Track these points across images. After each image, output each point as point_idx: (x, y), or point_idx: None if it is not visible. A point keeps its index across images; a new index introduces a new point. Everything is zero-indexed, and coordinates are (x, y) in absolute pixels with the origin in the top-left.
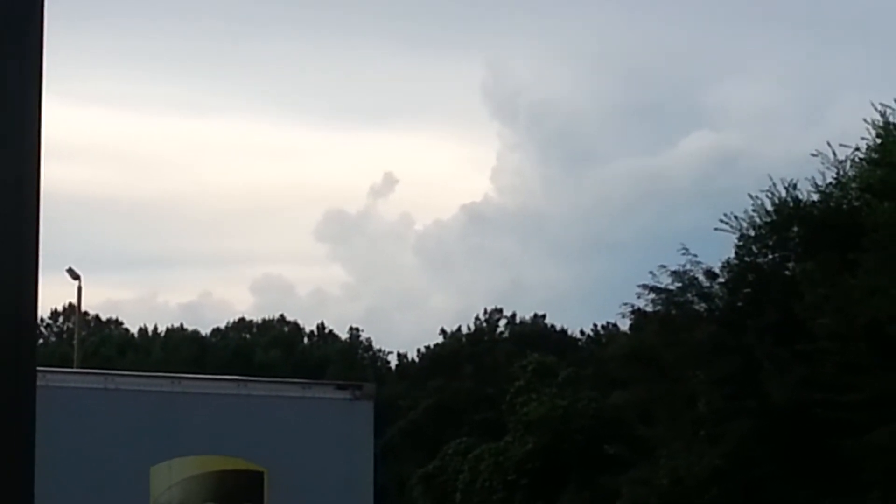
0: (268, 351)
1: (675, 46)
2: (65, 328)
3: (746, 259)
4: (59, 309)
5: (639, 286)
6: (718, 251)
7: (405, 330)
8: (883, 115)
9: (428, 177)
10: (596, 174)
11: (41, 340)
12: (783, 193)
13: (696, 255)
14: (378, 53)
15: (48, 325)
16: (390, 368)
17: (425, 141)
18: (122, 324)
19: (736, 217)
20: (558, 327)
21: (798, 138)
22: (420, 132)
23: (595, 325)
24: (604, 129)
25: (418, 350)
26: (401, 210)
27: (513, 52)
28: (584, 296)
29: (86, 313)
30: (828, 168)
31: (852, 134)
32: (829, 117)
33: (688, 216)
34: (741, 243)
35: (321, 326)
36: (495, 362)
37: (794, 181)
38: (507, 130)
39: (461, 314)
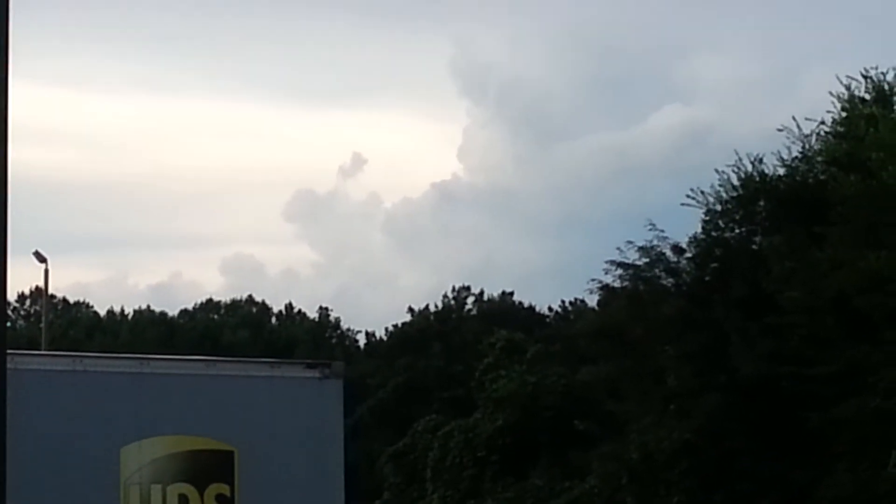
0: (236, 331)
1: (645, 21)
2: (32, 311)
3: (713, 234)
4: (27, 292)
5: (606, 262)
6: (689, 226)
7: (376, 309)
8: (848, 88)
9: (397, 156)
10: (566, 150)
11: (8, 323)
12: (749, 168)
13: (662, 231)
14: (345, 31)
15: (15, 308)
16: (359, 347)
17: (394, 120)
18: (90, 306)
19: (702, 192)
20: (526, 304)
21: (769, 112)
22: (388, 111)
23: (563, 302)
24: (574, 104)
25: (386, 329)
26: (370, 189)
27: (481, 28)
28: (555, 272)
29: (53, 296)
30: (793, 142)
31: (823, 107)
32: (800, 90)
33: (659, 191)
34: (708, 218)
35: (289, 306)
36: (463, 340)
37: (761, 155)
38: (477, 108)
39: (432, 292)
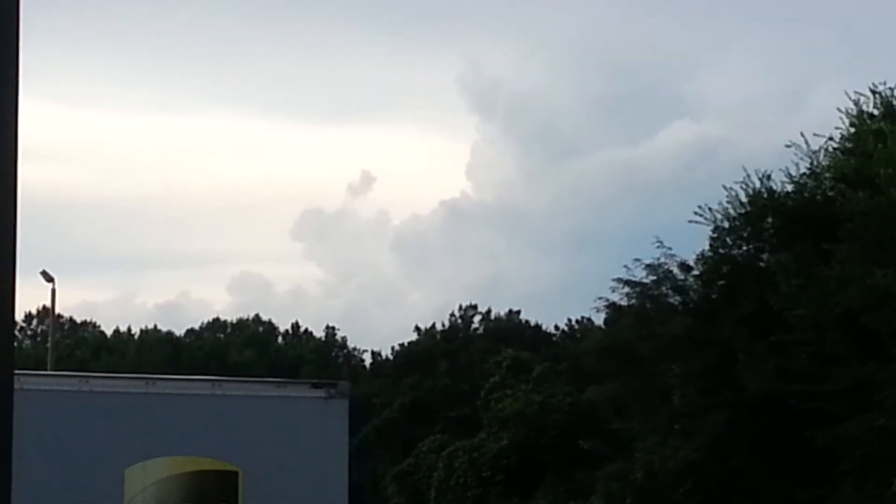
0: (242, 351)
1: (654, 37)
2: (39, 331)
3: (721, 251)
4: (34, 312)
5: (613, 280)
6: (697, 243)
7: (384, 327)
8: (857, 103)
9: (406, 173)
10: (575, 167)
11: (15, 343)
12: (757, 184)
13: (670, 248)
14: (354, 49)
15: (22, 328)
16: (365, 367)
17: (403, 137)
18: (97, 326)
19: (710, 209)
20: (533, 322)
21: (779, 127)
22: (398, 128)
23: (570, 320)
24: (583, 121)
25: (392, 348)
26: (378, 207)
27: (490, 45)
28: (564, 290)
29: (60, 316)
30: (801, 158)
31: (832, 123)
32: (809, 106)
33: (668, 208)
34: (715, 235)
35: (296, 325)
36: (470, 359)
37: (769, 172)
38: (486, 125)
39: (440, 311)
